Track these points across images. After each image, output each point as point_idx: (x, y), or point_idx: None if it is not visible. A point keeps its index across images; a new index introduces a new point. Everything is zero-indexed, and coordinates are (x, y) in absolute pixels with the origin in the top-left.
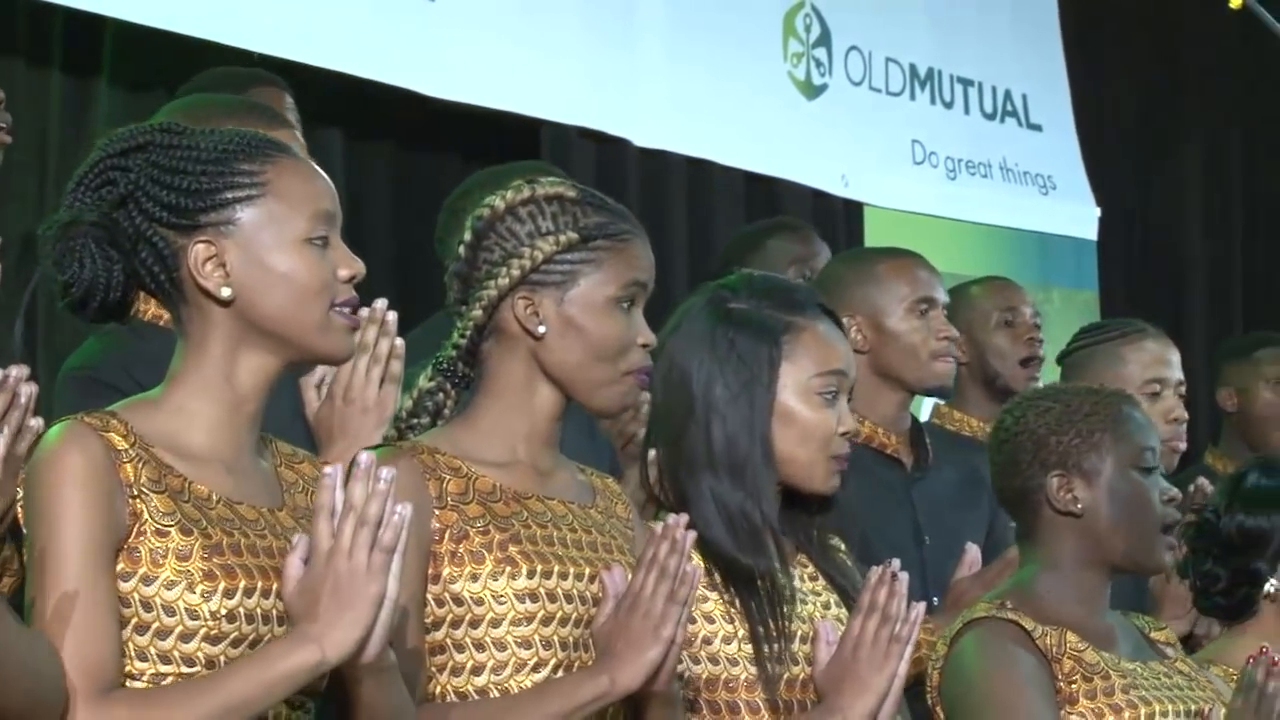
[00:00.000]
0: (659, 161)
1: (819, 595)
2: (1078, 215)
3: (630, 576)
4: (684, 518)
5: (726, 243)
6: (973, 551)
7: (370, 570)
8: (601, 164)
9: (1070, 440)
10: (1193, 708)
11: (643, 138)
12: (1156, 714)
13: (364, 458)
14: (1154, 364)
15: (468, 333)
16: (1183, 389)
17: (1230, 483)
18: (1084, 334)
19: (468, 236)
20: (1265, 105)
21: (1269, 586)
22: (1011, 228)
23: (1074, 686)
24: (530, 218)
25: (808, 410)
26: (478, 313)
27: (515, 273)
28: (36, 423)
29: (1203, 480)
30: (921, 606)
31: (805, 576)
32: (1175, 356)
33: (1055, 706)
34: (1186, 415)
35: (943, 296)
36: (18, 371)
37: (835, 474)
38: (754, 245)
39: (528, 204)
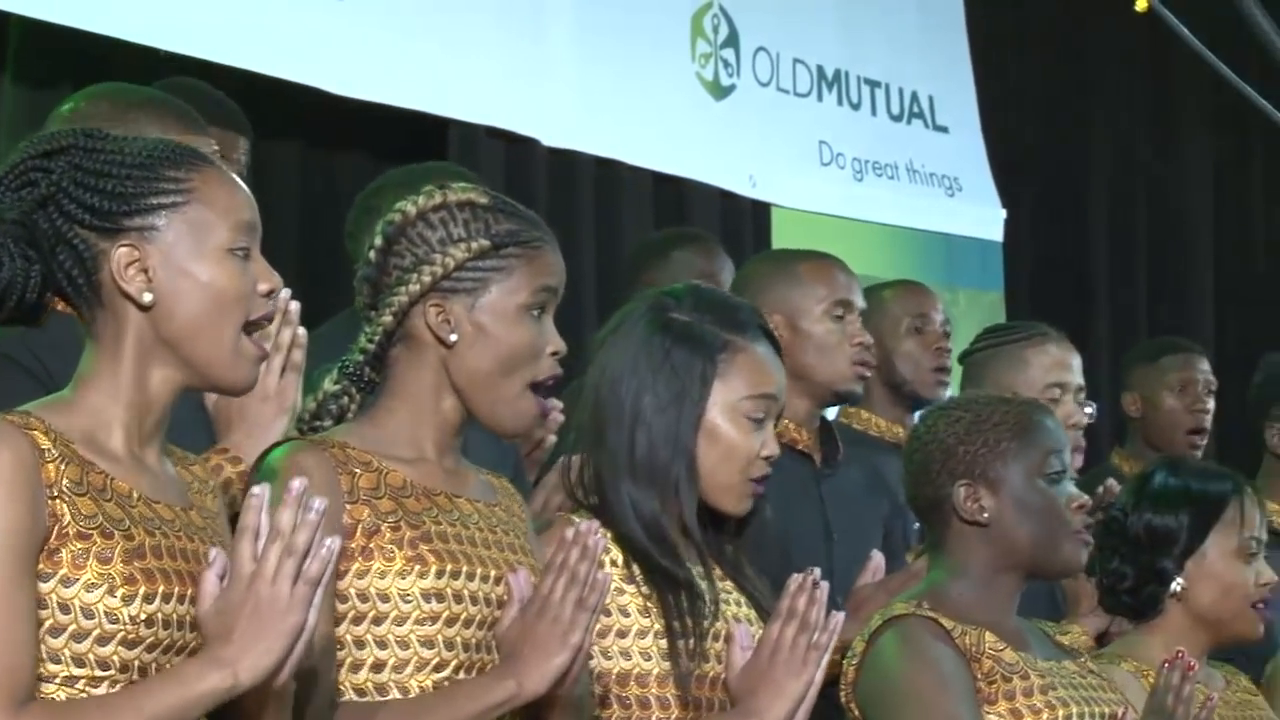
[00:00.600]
0: (567, 161)
1: (731, 594)
2: (983, 217)
3: (533, 579)
4: (595, 523)
5: (632, 249)
6: (877, 558)
7: (292, 601)
8: (510, 164)
9: (977, 450)
10: (1105, 710)
11: (551, 137)
12: (1074, 715)
13: (295, 484)
14: (1055, 368)
15: (376, 338)
16: (1082, 395)
17: (1138, 482)
18: (986, 335)
19: (378, 241)
20: (1170, 107)
21: (1175, 585)
22: (918, 229)
23: (993, 687)
24: (442, 224)
25: (734, 431)
26: (387, 318)
27: (427, 279)
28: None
29: (1111, 481)
30: (840, 616)
31: (717, 576)
32: (1076, 361)
33: (976, 704)
34: (1085, 422)
35: (860, 302)
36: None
37: (749, 497)
38: (659, 254)
39: (439, 210)
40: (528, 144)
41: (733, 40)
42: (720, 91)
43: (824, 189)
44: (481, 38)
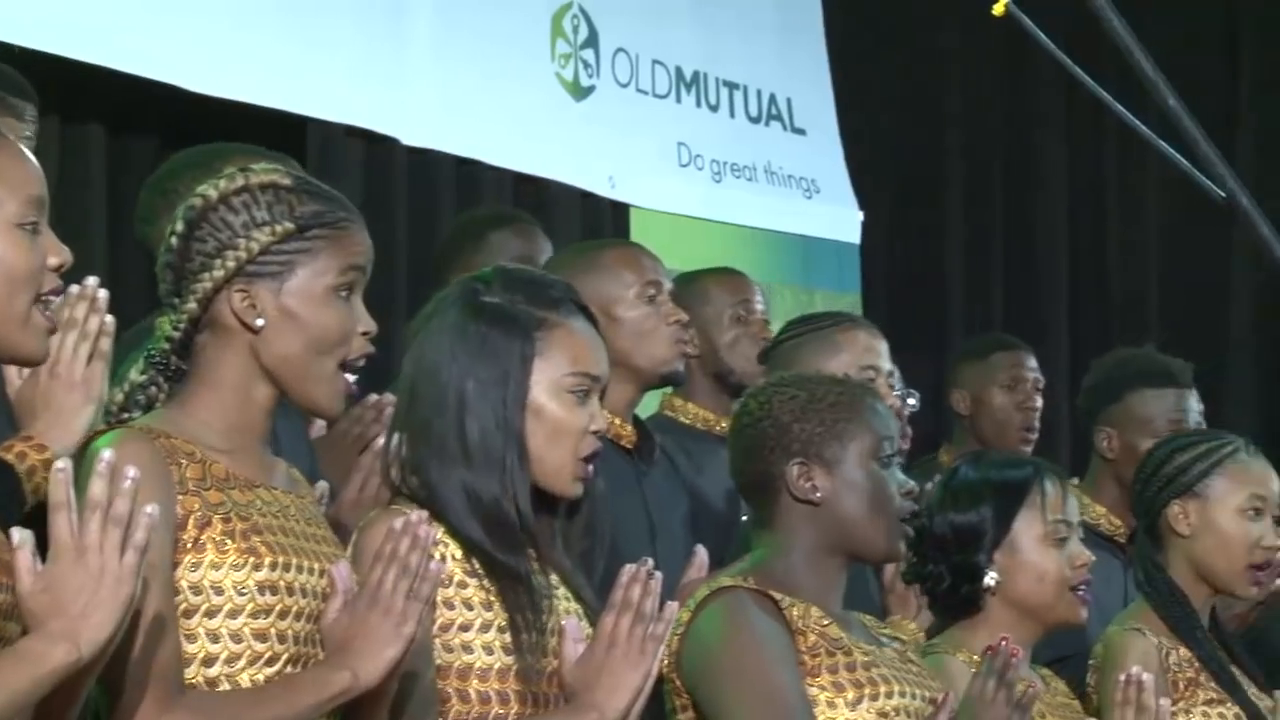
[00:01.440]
0: (427, 161)
1: (558, 587)
2: (841, 219)
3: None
4: (424, 514)
5: (448, 233)
6: (701, 554)
7: (122, 570)
8: (369, 163)
9: (813, 429)
10: (926, 694)
11: (411, 136)
12: (895, 694)
13: (106, 454)
14: (866, 352)
15: (181, 325)
16: (893, 379)
17: (941, 483)
18: (795, 325)
19: (179, 227)
20: (1026, 110)
21: (989, 579)
22: (775, 230)
23: (817, 660)
24: (245, 208)
25: (559, 408)
26: (192, 305)
27: (231, 265)
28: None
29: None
30: (674, 606)
31: (540, 570)
32: (885, 347)
33: (798, 676)
34: (903, 410)
35: (669, 283)
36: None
37: (581, 477)
38: (475, 237)
39: (241, 193)
40: (387, 143)
41: (592, 41)
42: (580, 92)
43: (683, 190)
44: (340, 36)
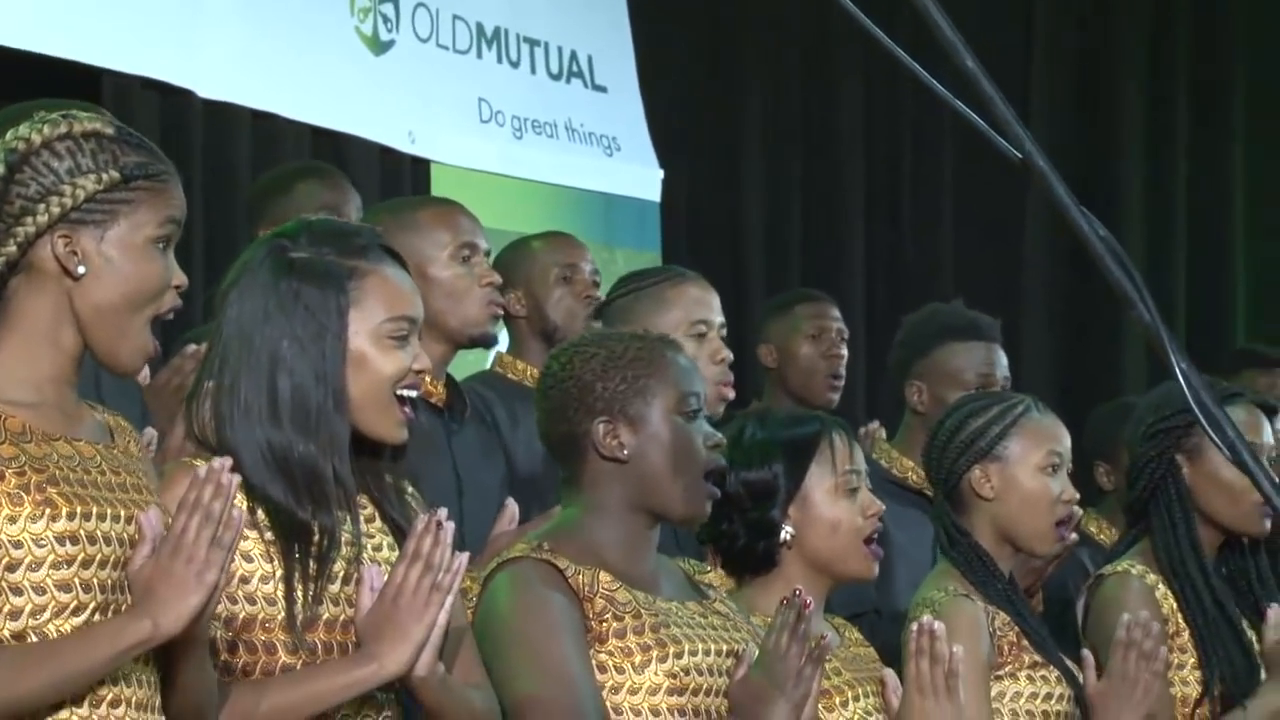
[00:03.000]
0: (224, 114)
1: (373, 537)
2: (641, 177)
3: (165, 518)
4: (227, 461)
5: (252, 186)
6: (511, 507)
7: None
8: (165, 115)
9: (616, 386)
10: (726, 648)
11: (207, 89)
12: (686, 653)
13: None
14: (697, 306)
15: None
16: (724, 331)
17: (731, 441)
18: (625, 282)
19: None
20: (824, 68)
21: (784, 534)
22: (577, 188)
23: (604, 625)
24: (69, 154)
25: (379, 355)
26: (11, 249)
27: (55, 210)
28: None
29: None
30: (465, 556)
31: (363, 519)
32: (716, 300)
33: (585, 647)
34: (732, 355)
35: (484, 243)
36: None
37: (404, 423)
38: (282, 189)
39: (65, 140)
40: (183, 96)
41: None
42: (379, 47)
43: (483, 146)
44: None
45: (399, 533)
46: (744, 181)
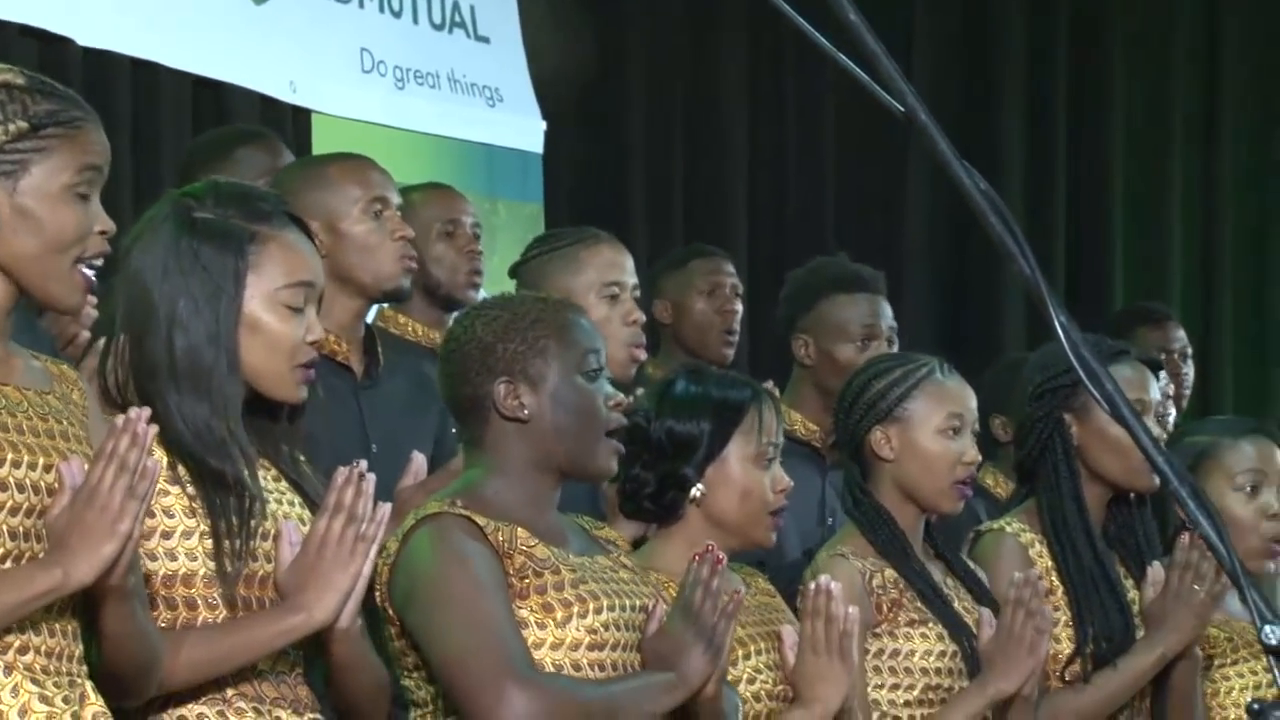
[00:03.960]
0: (103, 62)
1: (283, 494)
2: (524, 128)
3: (88, 468)
4: (146, 411)
5: (191, 148)
6: (418, 460)
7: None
8: (43, 64)
9: (516, 347)
10: (638, 603)
11: (86, 37)
12: (604, 608)
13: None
14: (611, 268)
15: None
16: (637, 293)
17: (659, 389)
18: (538, 243)
19: None
20: (708, 22)
21: (695, 491)
22: (459, 139)
23: (525, 582)
24: None
25: (275, 321)
26: None
27: None
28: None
29: (640, 392)
30: (387, 507)
31: (269, 478)
32: (630, 262)
33: (508, 599)
34: (644, 317)
35: (396, 198)
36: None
37: (303, 384)
38: (222, 153)
39: None
40: (63, 44)
41: None
42: None
43: (365, 97)
44: None
45: (301, 493)
46: (626, 133)
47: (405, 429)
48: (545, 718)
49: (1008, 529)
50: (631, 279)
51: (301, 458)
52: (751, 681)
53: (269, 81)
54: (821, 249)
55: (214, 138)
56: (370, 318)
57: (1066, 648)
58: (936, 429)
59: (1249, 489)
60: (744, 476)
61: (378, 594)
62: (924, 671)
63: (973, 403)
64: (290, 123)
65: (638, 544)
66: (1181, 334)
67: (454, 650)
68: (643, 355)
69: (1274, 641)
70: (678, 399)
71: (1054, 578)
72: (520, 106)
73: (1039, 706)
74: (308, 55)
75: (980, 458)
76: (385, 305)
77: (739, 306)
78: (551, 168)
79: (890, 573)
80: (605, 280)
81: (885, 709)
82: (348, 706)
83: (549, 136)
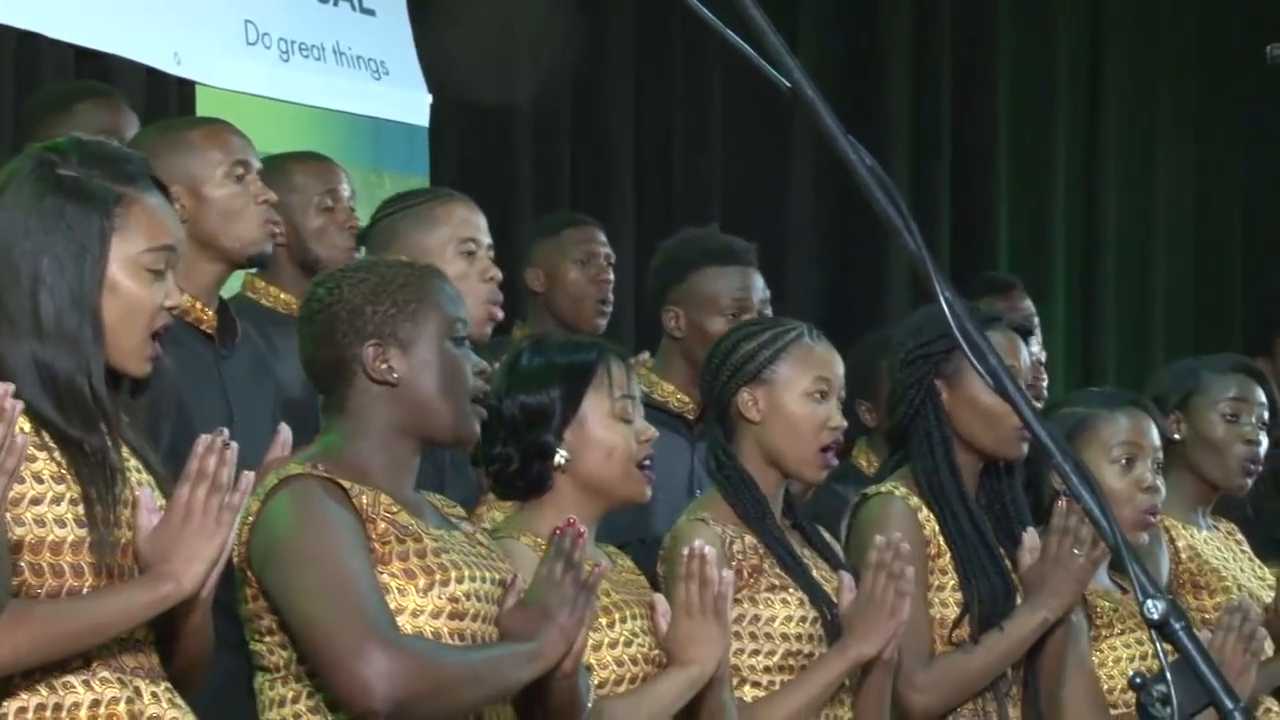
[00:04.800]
0: None
1: (129, 459)
2: (410, 101)
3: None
4: (10, 386)
5: (29, 103)
6: (285, 433)
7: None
8: None
9: (386, 310)
10: (496, 576)
11: None
12: (466, 578)
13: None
14: (465, 225)
15: None
16: (492, 252)
17: (507, 365)
18: (390, 203)
19: None
20: None
21: (559, 458)
22: (344, 112)
23: (387, 548)
24: None
25: (134, 285)
26: None
27: None
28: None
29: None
30: (251, 475)
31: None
32: (483, 220)
33: (370, 562)
34: (500, 275)
35: (257, 162)
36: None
37: (150, 358)
38: (60, 108)
39: None
40: None
41: None
42: None
43: (250, 69)
44: None
45: (142, 461)
46: (513, 107)
47: (259, 399)
48: (406, 680)
49: (895, 492)
50: (486, 237)
51: (142, 437)
52: (628, 645)
53: (153, 53)
54: (708, 222)
55: (54, 92)
56: (240, 289)
57: (954, 612)
58: (803, 392)
59: (1124, 461)
60: (605, 434)
61: (235, 555)
62: (784, 637)
63: (840, 369)
64: (175, 95)
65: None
66: (1028, 303)
67: (315, 612)
68: (500, 313)
69: (1155, 616)
70: (525, 372)
71: (941, 541)
72: (406, 79)
73: (929, 667)
74: (192, 27)
75: (845, 424)
76: (258, 277)
77: (612, 276)
78: (438, 141)
79: (750, 538)
80: (461, 236)
81: (746, 674)
82: (178, 671)
83: (435, 110)
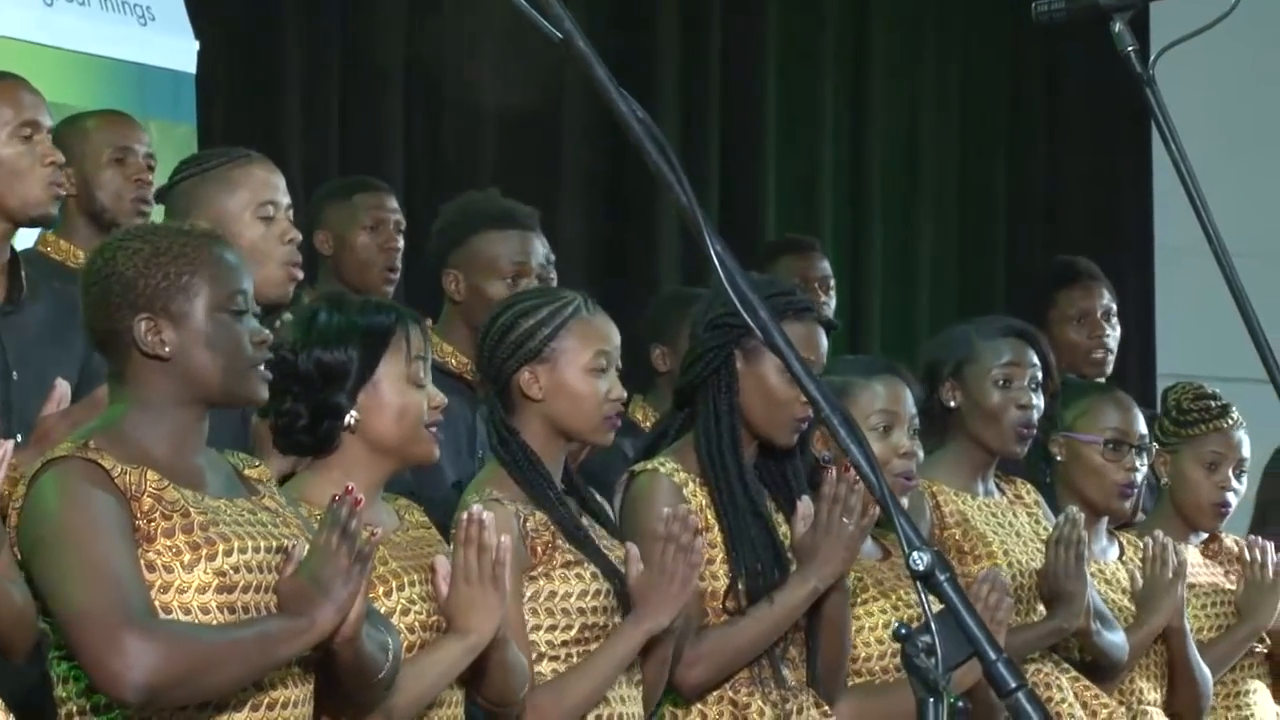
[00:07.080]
0: None
1: None
2: (177, 48)
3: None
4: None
5: None
6: (62, 387)
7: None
8: None
9: (158, 282)
10: (275, 544)
11: None
12: (235, 550)
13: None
14: (264, 187)
15: None
16: (291, 213)
17: (303, 319)
18: (187, 165)
19: None
20: None
21: (350, 418)
22: (109, 58)
23: (153, 525)
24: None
25: None
26: None
27: None
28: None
29: (287, 317)
30: (10, 444)
31: None
32: (283, 181)
33: (133, 545)
34: (300, 236)
35: (48, 121)
36: None
37: None
38: None
39: None
40: None
41: None
42: None
43: (12, 14)
44: None
45: None
46: (282, 57)
47: (50, 357)
48: (163, 663)
49: (661, 469)
50: (285, 198)
51: None
52: (405, 613)
53: None
54: (478, 183)
55: None
56: (34, 243)
57: (724, 584)
58: (585, 367)
59: (881, 429)
60: (399, 397)
61: (12, 540)
62: (580, 611)
63: (617, 339)
64: None
65: (286, 480)
66: (825, 264)
67: (71, 600)
68: (300, 274)
69: (921, 567)
70: (323, 328)
71: (709, 515)
72: (172, 25)
73: (698, 641)
74: None
75: (625, 394)
76: (46, 230)
77: (401, 243)
78: (205, 88)
79: (541, 515)
80: (260, 200)
81: (544, 650)
82: None
83: (202, 56)
